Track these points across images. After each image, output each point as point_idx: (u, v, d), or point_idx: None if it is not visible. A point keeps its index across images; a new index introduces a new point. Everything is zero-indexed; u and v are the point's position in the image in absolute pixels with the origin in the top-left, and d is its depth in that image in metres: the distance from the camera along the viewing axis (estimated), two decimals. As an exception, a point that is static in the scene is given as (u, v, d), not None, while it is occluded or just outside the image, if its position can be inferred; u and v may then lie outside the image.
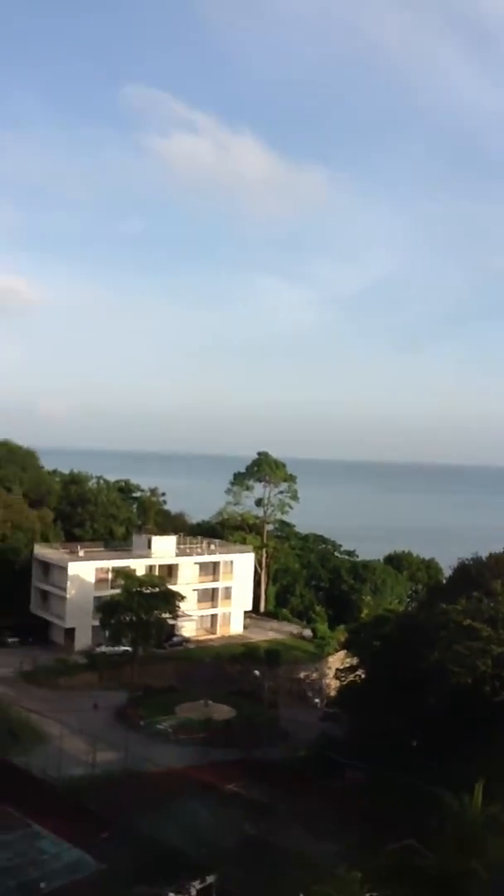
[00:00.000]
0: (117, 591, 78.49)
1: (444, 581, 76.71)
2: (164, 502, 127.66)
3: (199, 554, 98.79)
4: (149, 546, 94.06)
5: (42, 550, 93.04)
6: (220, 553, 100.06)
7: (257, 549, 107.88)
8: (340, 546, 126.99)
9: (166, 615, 78.47)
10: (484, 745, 45.47)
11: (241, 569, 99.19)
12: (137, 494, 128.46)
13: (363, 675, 66.90)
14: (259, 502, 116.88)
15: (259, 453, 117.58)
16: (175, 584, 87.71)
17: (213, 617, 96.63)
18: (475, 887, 22.85)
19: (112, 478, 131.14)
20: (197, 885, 40.16)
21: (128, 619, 75.34)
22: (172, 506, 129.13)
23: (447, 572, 77.00)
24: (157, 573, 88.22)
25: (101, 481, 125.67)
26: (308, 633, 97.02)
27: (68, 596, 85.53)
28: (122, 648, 77.64)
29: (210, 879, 40.58)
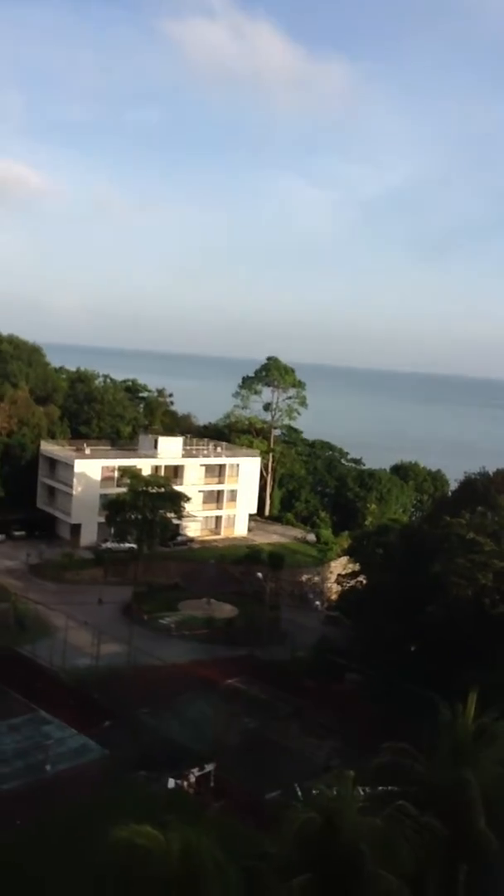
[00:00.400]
0: (123, 489, 78.99)
1: (450, 494, 77.00)
2: (172, 403, 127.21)
3: (205, 456, 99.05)
4: (155, 446, 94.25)
5: (48, 447, 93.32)
6: (226, 456, 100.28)
7: (264, 454, 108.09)
8: (347, 454, 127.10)
9: (171, 515, 79.18)
10: (481, 656, 46.30)
11: (246, 472, 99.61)
12: (145, 394, 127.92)
13: (364, 582, 67.90)
14: (267, 407, 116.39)
15: (268, 358, 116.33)
16: (181, 485, 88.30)
17: (218, 518, 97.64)
18: (464, 795, 23.43)
19: (119, 377, 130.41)
20: (196, 772, 41.79)
21: (133, 517, 76.10)
22: (180, 407, 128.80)
23: (454, 485, 77.11)
24: (162, 473, 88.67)
25: (108, 380, 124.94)
26: (312, 537, 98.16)
27: (74, 493, 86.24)
28: (127, 545, 78.69)
29: (209, 768, 42.19)
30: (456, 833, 23.26)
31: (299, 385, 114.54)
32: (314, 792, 40.06)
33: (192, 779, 41.03)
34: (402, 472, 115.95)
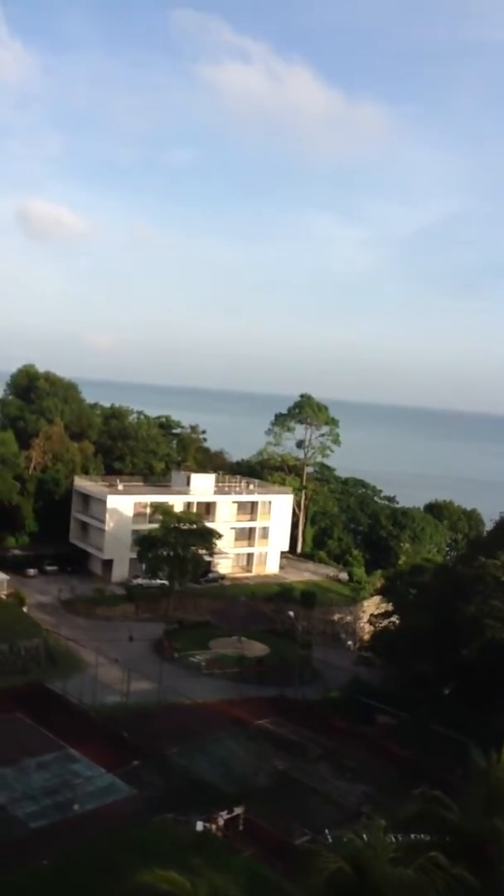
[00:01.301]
0: (155, 525, 79.25)
1: (486, 534, 76.05)
2: (205, 440, 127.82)
3: (237, 493, 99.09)
4: (188, 483, 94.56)
5: (82, 482, 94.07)
6: (258, 493, 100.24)
7: (296, 491, 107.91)
8: (381, 491, 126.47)
9: (203, 551, 79.18)
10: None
11: (279, 509, 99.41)
12: (178, 431, 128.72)
13: (397, 622, 67.06)
14: (300, 444, 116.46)
15: (301, 395, 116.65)
16: (213, 521, 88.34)
17: (250, 556, 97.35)
18: (498, 846, 22.82)
19: (153, 413, 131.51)
20: (225, 815, 41.15)
21: (165, 553, 76.25)
22: (213, 444, 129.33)
23: (489, 525, 76.25)
24: (195, 510, 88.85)
25: (142, 416, 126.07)
26: (344, 576, 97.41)
27: (107, 528, 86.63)
28: (159, 582, 78.75)
29: (238, 810, 41.55)
30: (487, 885, 22.64)
31: (332, 422, 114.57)
32: (345, 839, 39.51)
33: (221, 822, 40.38)
34: (436, 510, 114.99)
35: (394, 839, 25.76)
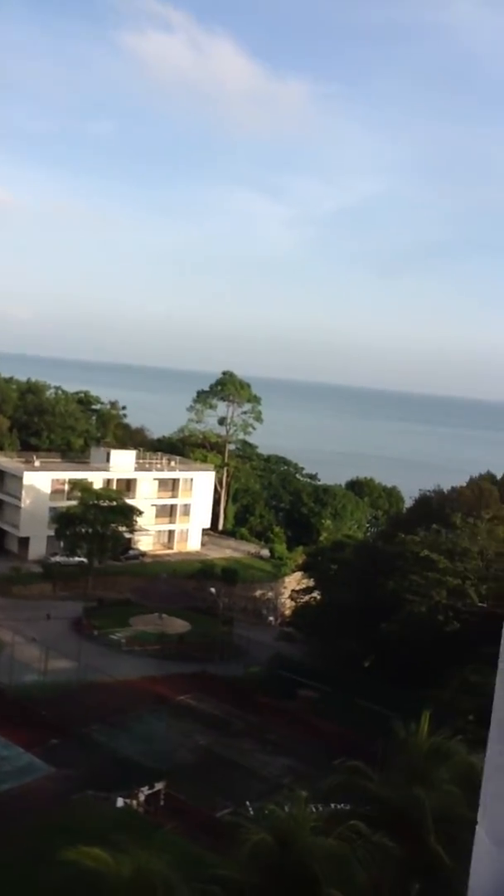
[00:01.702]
0: (74, 502, 77.90)
1: (405, 511, 77.59)
2: (125, 416, 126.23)
3: (158, 470, 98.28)
4: (107, 459, 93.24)
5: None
6: (180, 470, 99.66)
7: (218, 468, 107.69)
8: (303, 469, 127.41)
9: (123, 529, 78.26)
10: (435, 673, 46.43)
11: (200, 486, 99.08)
12: (97, 407, 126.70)
13: (319, 598, 67.87)
14: (222, 421, 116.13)
15: (224, 372, 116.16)
16: (133, 498, 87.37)
17: (171, 533, 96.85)
18: (418, 814, 23.21)
19: (71, 388, 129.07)
20: (146, 790, 40.99)
21: (84, 530, 75.01)
22: (133, 420, 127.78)
23: (409, 502, 77.72)
24: (115, 487, 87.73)
25: (60, 392, 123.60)
26: (266, 553, 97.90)
27: (23, 505, 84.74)
28: (78, 560, 77.50)
29: (159, 786, 41.43)
30: (408, 851, 23.02)
31: (255, 400, 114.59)
32: (266, 811, 39.87)
33: (142, 797, 40.22)
34: (358, 488, 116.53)
35: (315, 810, 26.03)
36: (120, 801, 38.25)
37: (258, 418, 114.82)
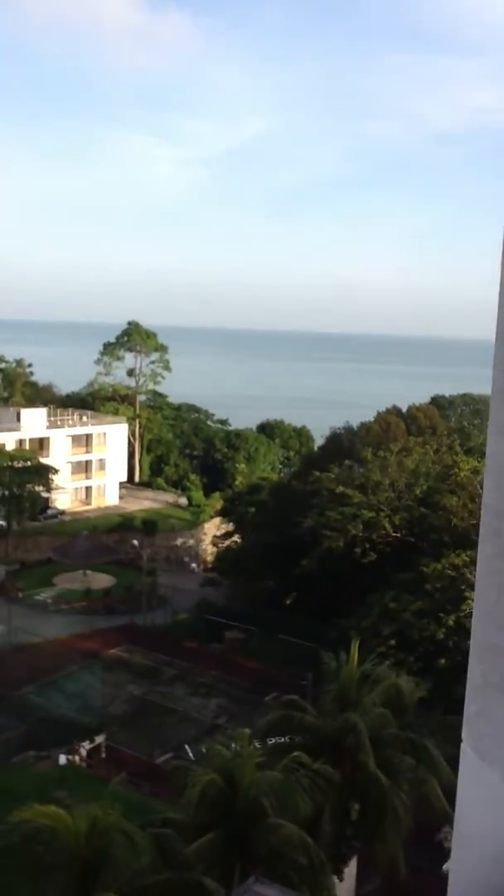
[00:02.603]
0: (-14, 465, 76.39)
1: (317, 450, 79.17)
2: (31, 374, 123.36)
3: (70, 426, 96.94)
4: (18, 419, 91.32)
5: None
6: (92, 425, 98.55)
7: (130, 420, 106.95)
8: (213, 415, 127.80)
9: (40, 488, 77.46)
10: (355, 604, 48.31)
11: (114, 440, 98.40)
12: (2, 366, 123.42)
13: (239, 541, 69.13)
14: (130, 373, 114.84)
15: (129, 322, 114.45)
16: (47, 457, 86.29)
17: (88, 489, 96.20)
18: (353, 738, 24.62)
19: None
20: (87, 745, 41.78)
21: (-1, 493, 74.01)
22: (40, 377, 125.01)
23: (319, 441, 79.24)
24: (27, 447, 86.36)
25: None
26: (183, 501, 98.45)
27: None
28: (-5, 523, 76.48)
29: (99, 739, 42.27)
30: (347, 775, 24.50)
31: (162, 349, 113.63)
32: (204, 750, 41.25)
33: (83, 752, 40.99)
34: (268, 430, 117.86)
35: (255, 746, 27.21)
36: (62, 759, 38.88)
37: (166, 367, 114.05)
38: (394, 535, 51.27)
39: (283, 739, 28.17)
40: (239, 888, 11.60)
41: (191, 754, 41.93)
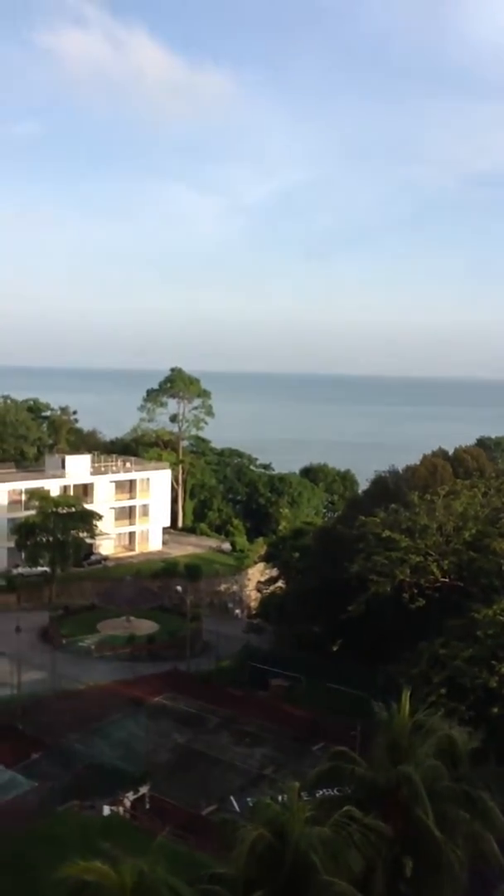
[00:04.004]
0: (32, 512, 77.10)
1: (362, 493, 78.34)
2: (76, 421, 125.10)
3: (114, 472, 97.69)
4: (62, 466, 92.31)
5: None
6: (135, 470, 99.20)
7: (173, 466, 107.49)
8: (256, 460, 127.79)
9: (84, 534, 77.83)
10: (403, 651, 47.16)
11: (157, 485, 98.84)
12: (47, 413, 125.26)
13: (283, 587, 68.37)
14: (174, 418, 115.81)
15: (172, 369, 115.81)
16: (91, 503, 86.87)
17: (132, 534, 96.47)
18: (408, 791, 23.77)
19: (20, 396, 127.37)
20: (131, 795, 41.05)
21: (44, 539, 74.46)
22: (84, 424, 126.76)
23: (363, 483, 78.53)
24: (72, 493, 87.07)
25: (9, 401, 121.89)
26: (227, 546, 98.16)
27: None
28: (41, 569, 76.85)
29: (143, 790, 41.52)
30: (399, 830, 23.57)
31: (205, 395, 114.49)
32: (249, 801, 40.32)
33: (128, 803, 40.27)
34: (312, 474, 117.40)
35: (304, 797, 26.41)
36: (106, 809, 38.26)
37: (209, 412, 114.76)
38: (442, 579, 50.13)
39: (332, 791, 27.34)
40: None
41: (236, 806, 41.03)
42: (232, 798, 42.12)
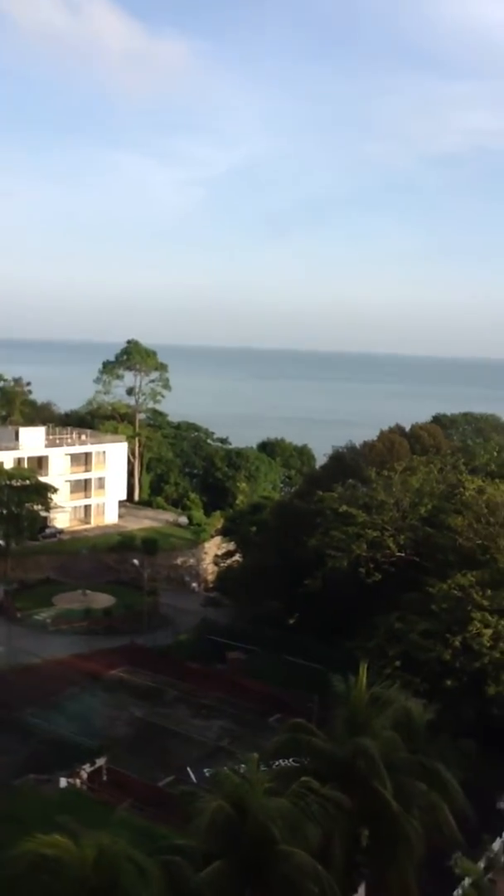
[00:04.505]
0: (-15, 484, 75.90)
1: (319, 468, 78.69)
2: (30, 392, 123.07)
3: (69, 445, 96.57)
4: (16, 438, 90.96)
5: None
6: (91, 443, 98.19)
7: (129, 439, 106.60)
8: (213, 434, 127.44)
9: (38, 507, 76.96)
10: (360, 625, 47.70)
11: (113, 459, 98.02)
12: (0, 385, 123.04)
13: (241, 561, 68.58)
14: (130, 391, 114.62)
15: (128, 341, 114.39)
16: (46, 475, 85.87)
17: (87, 508, 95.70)
18: (365, 763, 24.08)
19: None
20: (87, 768, 41.08)
21: (-2, 512, 73.50)
22: (39, 396, 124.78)
23: (320, 459, 78.85)
24: (26, 466, 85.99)
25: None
26: (184, 520, 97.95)
27: None
28: (-6, 543, 75.90)
29: (100, 762, 41.55)
30: (357, 801, 23.90)
31: (161, 368, 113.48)
32: (206, 772, 40.61)
33: (84, 775, 40.28)
34: (269, 448, 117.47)
35: (263, 769, 26.63)
36: (63, 782, 38.22)
37: (166, 386, 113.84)
38: (399, 554, 50.74)
39: (289, 763, 27.62)
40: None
41: (193, 777, 41.27)
42: (189, 769, 42.35)
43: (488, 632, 41.61)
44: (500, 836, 35.81)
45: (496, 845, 35.11)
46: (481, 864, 33.42)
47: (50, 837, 17.49)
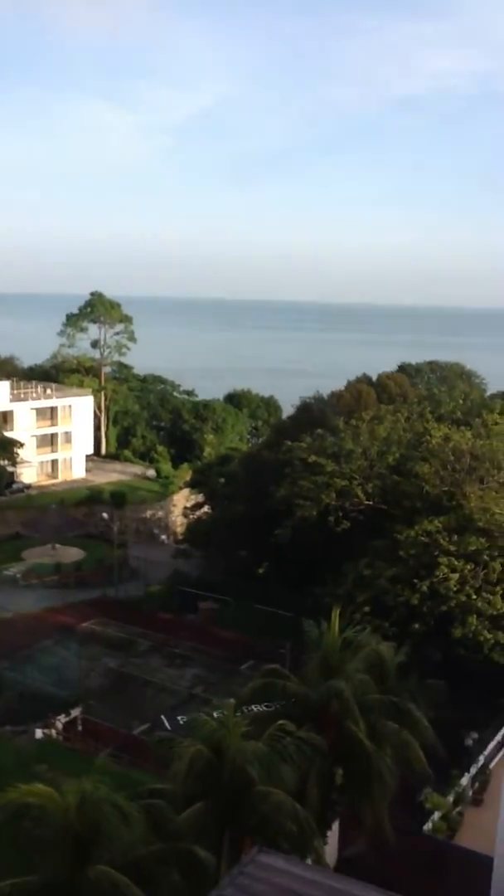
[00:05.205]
0: (-50, 440, 75.09)
1: (287, 419, 78.79)
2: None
3: (34, 399, 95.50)
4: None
5: None
6: (57, 397, 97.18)
7: (95, 392, 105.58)
8: (179, 386, 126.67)
9: (4, 462, 76.43)
10: (329, 572, 48.37)
11: (79, 412, 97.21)
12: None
13: (210, 512, 68.87)
14: (95, 344, 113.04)
15: (92, 293, 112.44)
16: (11, 430, 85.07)
17: (55, 462, 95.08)
18: (339, 705, 24.66)
19: None
20: (63, 718, 41.60)
21: (-37, 468, 72.91)
22: (1, 350, 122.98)
23: (287, 410, 78.86)
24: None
25: None
26: (152, 473, 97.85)
27: None
28: (-39, 499, 75.39)
29: (75, 713, 42.09)
30: (331, 741, 24.55)
31: (126, 320, 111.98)
32: (180, 720, 41.33)
33: (60, 726, 40.80)
34: (236, 400, 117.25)
35: (239, 714, 27.15)
36: (39, 733, 38.66)
37: (131, 338, 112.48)
38: (367, 503, 51.28)
39: (263, 708, 28.19)
40: (244, 858, 11.46)
41: (168, 725, 41.98)
42: (163, 717, 43.06)
43: (454, 576, 42.55)
44: (468, 772, 37.03)
45: (464, 780, 36.33)
46: (450, 799, 34.65)
47: (31, 786, 17.71)
